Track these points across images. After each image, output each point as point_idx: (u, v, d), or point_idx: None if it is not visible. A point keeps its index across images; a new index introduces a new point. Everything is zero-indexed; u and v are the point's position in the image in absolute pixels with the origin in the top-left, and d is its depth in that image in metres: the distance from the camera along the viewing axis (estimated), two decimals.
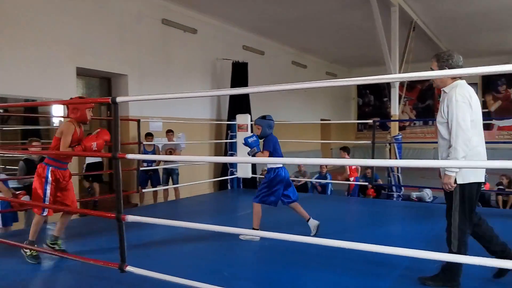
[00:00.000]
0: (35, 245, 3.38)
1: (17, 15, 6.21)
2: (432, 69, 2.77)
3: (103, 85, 8.27)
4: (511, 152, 14.24)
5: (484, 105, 16.08)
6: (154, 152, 7.35)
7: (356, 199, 8.10)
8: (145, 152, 7.14)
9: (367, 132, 17.79)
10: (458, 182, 2.66)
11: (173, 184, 7.48)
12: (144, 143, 6.94)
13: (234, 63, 10.03)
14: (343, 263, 3.33)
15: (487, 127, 16.12)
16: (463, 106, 2.63)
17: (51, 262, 3.47)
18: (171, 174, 7.57)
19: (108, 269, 2.68)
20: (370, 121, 6.78)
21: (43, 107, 7.38)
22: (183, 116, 8.69)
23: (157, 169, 7.39)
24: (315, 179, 9.51)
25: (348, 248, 2.07)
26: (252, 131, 7.87)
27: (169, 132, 7.71)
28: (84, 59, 7.07)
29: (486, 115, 16.07)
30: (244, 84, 9.85)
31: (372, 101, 18.49)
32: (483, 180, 2.78)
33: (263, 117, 4.23)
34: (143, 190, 6.36)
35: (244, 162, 7.38)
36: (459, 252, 2.63)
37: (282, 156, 4.25)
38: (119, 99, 2.49)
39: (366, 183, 8.11)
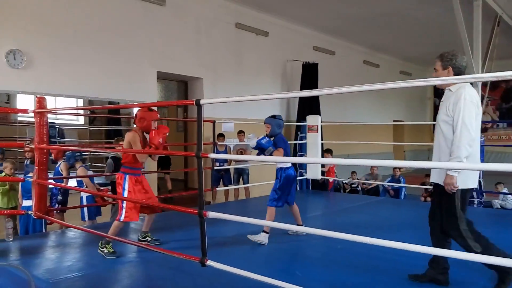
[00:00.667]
0: (110, 244, 3.63)
1: (103, 23, 6.77)
2: (435, 70, 2.80)
3: (180, 88, 8.71)
4: None
5: None
6: (225, 152, 7.60)
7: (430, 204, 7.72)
8: (217, 152, 7.40)
9: None
10: (461, 187, 2.62)
11: (244, 183, 7.68)
12: (219, 143, 7.20)
13: (304, 64, 10.05)
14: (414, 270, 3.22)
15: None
16: (471, 106, 2.59)
17: (133, 254, 3.74)
18: (242, 174, 7.78)
19: (189, 262, 2.83)
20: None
21: (124, 110, 7.93)
22: (253, 117, 8.87)
23: (228, 169, 7.63)
24: (387, 182, 9.22)
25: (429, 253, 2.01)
26: (321, 132, 7.84)
27: (240, 133, 7.92)
28: (164, 63, 7.51)
29: None
30: (314, 85, 9.82)
31: None
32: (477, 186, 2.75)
33: (273, 117, 4.25)
34: (218, 189, 6.61)
35: (313, 163, 7.35)
36: (486, 249, 2.57)
37: (289, 155, 4.36)
38: (203, 101, 2.63)
39: None
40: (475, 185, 2.72)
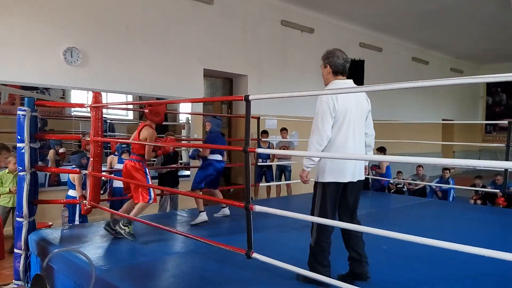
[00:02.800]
0: (131, 226, 3.90)
1: (155, 22, 7.00)
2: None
3: (225, 85, 8.85)
4: None
5: None
6: (269, 148, 7.66)
7: (481, 207, 7.41)
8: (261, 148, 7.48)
9: (497, 134, 16.04)
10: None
11: (286, 180, 7.71)
12: (262, 139, 7.26)
13: (351, 61, 9.87)
14: (453, 274, 3.12)
15: None
16: (323, 106, 2.77)
17: (180, 245, 3.86)
18: (284, 171, 7.80)
19: (234, 254, 2.90)
20: (504, 121, 6.10)
21: (171, 105, 8.17)
22: (296, 114, 8.86)
23: (271, 166, 7.68)
24: (436, 183, 8.93)
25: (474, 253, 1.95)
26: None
27: (283, 130, 7.95)
28: (210, 61, 7.67)
29: None
30: (360, 82, 9.63)
31: (504, 100, 16.56)
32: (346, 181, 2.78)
33: (214, 117, 4.88)
34: (261, 185, 6.68)
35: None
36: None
37: (222, 151, 4.74)
38: (251, 97, 2.68)
39: (496, 191, 7.36)
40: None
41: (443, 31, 11.10)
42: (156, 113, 4.00)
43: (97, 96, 4.17)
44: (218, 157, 4.67)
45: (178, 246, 3.86)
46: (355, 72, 9.83)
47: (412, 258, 3.44)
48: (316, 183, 2.94)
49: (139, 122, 8.14)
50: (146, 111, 4.04)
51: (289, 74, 9.06)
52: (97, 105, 4.13)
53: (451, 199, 8.61)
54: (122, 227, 3.85)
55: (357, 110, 2.87)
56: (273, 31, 8.78)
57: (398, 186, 9.92)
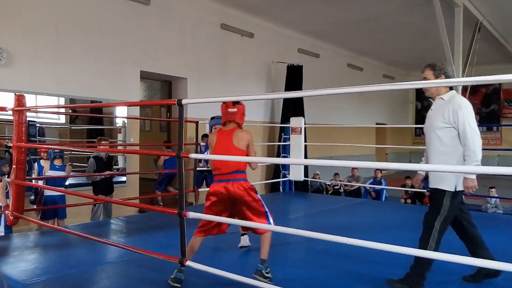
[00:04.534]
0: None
1: (87, 22, 6.68)
2: (425, 79, 2.95)
3: (164, 88, 8.66)
4: None
5: None
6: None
7: (411, 206, 7.85)
8: (201, 153, 7.37)
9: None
10: (449, 189, 2.75)
11: None
12: (201, 143, 7.17)
13: (289, 66, 10.09)
14: (390, 271, 3.27)
15: None
16: (472, 113, 2.79)
17: (113, 255, 3.70)
18: None
19: (168, 262, 2.82)
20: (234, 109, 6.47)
21: (107, 108, 7.84)
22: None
23: (211, 170, 7.60)
24: (369, 184, 9.33)
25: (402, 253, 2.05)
26: (305, 134, 7.88)
27: (205, 137, 7.78)
28: (147, 63, 7.45)
29: None
30: (299, 87, 9.88)
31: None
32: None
33: (212, 118, 4.25)
34: (199, 190, 6.56)
35: (295, 164, 7.39)
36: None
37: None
38: (184, 101, 2.63)
39: (424, 190, 7.83)
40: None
41: (375, 39, 11.67)
42: (242, 115, 3.20)
43: (20, 99, 3.89)
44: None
45: (110, 256, 3.69)
46: (294, 76, 10.14)
47: (346, 257, 3.55)
48: (440, 191, 2.81)
49: (70, 127, 7.72)
50: (234, 110, 3.13)
51: (230, 78, 9.05)
52: (20, 109, 3.85)
53: (383, 199, 9.04)
54: (266, 275, 2.98)
55: None
56: (212, 35, 8.73)
57: (335, 187, 10.27)
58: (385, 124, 15.37)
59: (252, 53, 9.67)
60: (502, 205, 8.20)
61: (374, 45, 12.52)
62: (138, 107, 7.66)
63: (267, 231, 2.98)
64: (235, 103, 3.14)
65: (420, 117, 17.88)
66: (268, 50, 10.10)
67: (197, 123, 5.68)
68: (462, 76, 8.78)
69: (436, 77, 2.90)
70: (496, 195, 7.98)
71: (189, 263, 2.61)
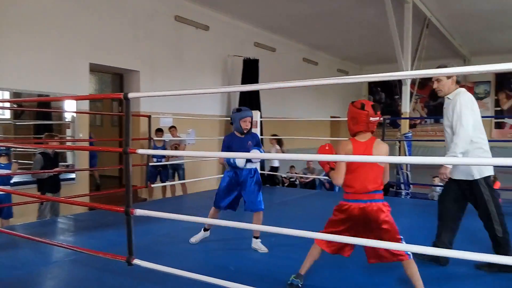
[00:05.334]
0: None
1: (32, 11, 6.32)
2: (438, 80, 3.23)
3: (115, 81, 8.38)
4: None
5: (497, 103, 15.89)
6: (164, 147, 7.44)
7: None
8: (155, 148, 7.23)
9: (378, 130, 17.63)
10: (476, 177, 3.02)
11: (179, 179, 7.56)
12: (154, 138, 7.02)
13: (245, 60, 10.07)
14: (351, 260, 3.36)
15: (499, 125, 15.91)
16: (467, 108, 3.02)
17: (59, 255, 3.55)
18: (177, 170, 7.66)
19: (116, 262, 2.74)
20: (380, 118, 6.74)
21: (56, 102, 7.50)
22: (193, 112, 8.76)
23: (166, 165, 7.48)
24: (323, 176, 9.52)
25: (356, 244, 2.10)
26: (261, 127, 7.91)
27: (172, 128, 7.75)
28: (97, 55, 7.17)
29: (499, 113, 15.86)
30: (255, 80, 9.89)
31: (383, 98, 18.35)
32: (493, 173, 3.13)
33: (238, 110, 3.73)
34: (152, 185, 6.44)
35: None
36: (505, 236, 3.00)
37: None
38: (131, 95, 2.53)
39: None
40: (491, 172, 3.09)
41: (330, 34, 11.87)
42: (353, 118, 2.67)
43: None
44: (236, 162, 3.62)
45: (56, 256, 3.54)
46: (251, 70, 10.12)
47: (301, 248, 3.59)
48: (473, 182, 3.07)
49: (14, 122, 7.32)
50: (376, 118, 2.63)
51: (184, 71, 8.90)
52: None
53: (337, 189, 9.25)
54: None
55: None
56: (166, 27, 8.53)
57: (291, 180, 10.40)
58: (339, 117, 15.73)
59: (207, 46, 9.55)
60: None
61: (329, 40, 12.74)
62: (88, 101, 7.37)
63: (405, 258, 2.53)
64: (377, 110, 2.62)
65: None
66: (224, 43, 10.01)
67: (149, 117, 5.54)
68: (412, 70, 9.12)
69: (448, 77, 3.11)
70: (440, 184, 8.37)
71: (136, 261, 2.54)
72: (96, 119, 9.57)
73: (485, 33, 11.85)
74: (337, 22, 10.60)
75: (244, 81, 9.95)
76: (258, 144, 3.78)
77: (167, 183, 7.33)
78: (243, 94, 9.86)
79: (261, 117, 8.05)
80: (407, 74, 2.63)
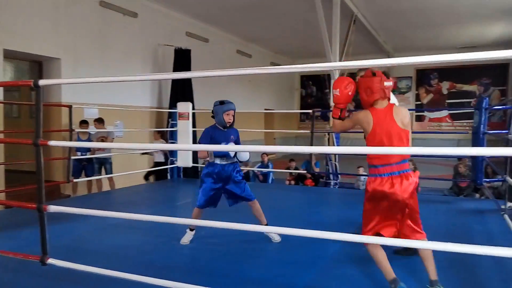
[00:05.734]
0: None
1: None
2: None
3: (33, 69, 7.75)
4: (440, 142, 15.23)
5: (417, 97, 17.05)
6: (89, 140, 7.03)
7: (295, 187, 8.29)
8: (79, 140, 6.82)
9: (309, 122, 18.14)
10: None
11: (106, 174, 7.20)
12: (78, 130, 6.61)
13: (177, 49, 9.81)
14: (277, 250, 3.40)
15: (419, 118, 17.08)
16: None
17: None
18: (104, 164, 7.26)
19: (30, 262, 2.53)
20: (311, 111, 6.95)
21: None
22: (121, 103, 8.37)
23: (92, 159, 7.08)
24: (257, 168, 9.61)
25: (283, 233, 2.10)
26: (194, 119, 7.76)
27: (97, 121, 7.27)
28: (13, 41, 6.58)
29: (419, 107, 17.03)
30: (187, 71, 9.67)
31: (315, 92, 18.94)
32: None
33: (220, 103, 3.67)
34: (75, 180, 6.06)
35: (183, 150, 7.25)
36: None
37: (223, 152, 3.59)
38: (42, 82, 2.33)
39: (304, 171, 8.33)
40: None
41: (262, 26, 11.94)
42: (367, 89, 2.58)
43: None
44: (218, 159, 3.54)
45: None
46: (182, 60, 9.87)
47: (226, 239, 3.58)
48: None
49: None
50: (390, 83, 2.55)
51: (111, 59, 8.44)
52: None
53: (270, 181, 9.41)
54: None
55: None
56: (90, 12, 8.02)
57: None
58: (273, 110, 15.96)
59: (136, 34, 9.15)
60: None
61: (262, 33, 12.82)
62: (2, 90, 6.73)
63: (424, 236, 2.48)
64: (389, 76, 2.56)
65: (305, 103, 18.98)
66: (154, 31, 9.66)
67: (70, 107, 5.18)
68: None
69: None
70: (364, 173, 8.81)
71: (51, 260, 2.36)
72: (13, 110, 8.81)
73: (407, 30, 12.61)
74: (270, 15, 10.68)
75: (176, 71, 9.69)
76: (238, 138, 3.73)
77: (92, 178, 6.94)
78: (175, 85, 9.61)
79: (194, 109, 7.90)
80: (335, 65, 2.68)
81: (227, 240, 3.61)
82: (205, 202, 3.57)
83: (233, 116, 3.61)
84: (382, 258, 2.44)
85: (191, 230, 3.67)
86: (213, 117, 3.61)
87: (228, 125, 3.59)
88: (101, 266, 2.36)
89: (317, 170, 8.85)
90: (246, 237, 3.58)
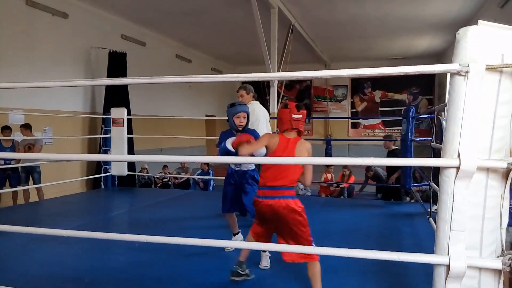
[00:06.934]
0: None
1: None
2: (242, 96, 4.50)
3: None
4: (374, 148, 15.98)
5: (352, 105, 17.79)
6: (13, 148, 6.53)
7: None
8: (2, 149, 6.30)
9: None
10: None
11: (34, 183, 6.72)
12: (0, 138, 6.12)
13: (111, 52, 9.43)
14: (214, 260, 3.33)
15: (354, 125, 17.82)
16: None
17: None
18: (32, 173, 6.77)
19: None
20: (303, 116, 6.91)
21: None
22: (50, 108, 7.88)
23: (17, 168, 6.57)
24: (198, 175, 9.47)
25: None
26: (129, 126, 7.48)
27: (23, 127, 6.79)
28: None
29: (354, 115, 17.77)
30: (122, 75, 9.31)
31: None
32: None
33: (231, 105, 3.43)
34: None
35: (117, 160, 6.96)
36: None
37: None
38: None
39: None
40: None
41: (202, 31, 11.82)
42: (304, 121, 2.73)
43: None
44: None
45: None
46: (117, 64, 9.52)
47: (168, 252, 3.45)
48: None
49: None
50: (299, 116, 2.62)
51: (39, 62, 7.91)
52: None
53: (211, 188, 9.30)
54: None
55: None
56: (15, 12, 7.47)
57: (164, 180, 10.12)
58: (214, 116, 15.87)
59: (67, 35, 8.67)
60: (312, 187, 9.29)
61: (202, 38, 12.71)
62: None
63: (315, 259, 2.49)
64: (300, 108, 2.62)
65: None
66: (86, 33, 9.21)
67: None
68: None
69: (248, 93, 4.53)
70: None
71: None
72: None
73: (343, 41, 13.14)
74: (208, 20, 10.62)
75: (110, 76, 9.32)
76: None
77: (18, 188, 6.43)
78: (109, 89, 9.23)
79: (130, 115, 7.61)
80: (274, 76, 2.68)
81: (164, 252, 3.48)
82: (226, 206, 3.52)
83: (246, 118, 3.39)
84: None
85: (235, 234, 3.63)
86: (227, 120, 3.42)
87: (240, 128, 3.34)
88: (24, 285, 2.16)
89: None
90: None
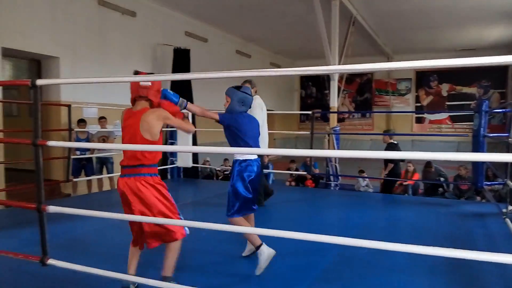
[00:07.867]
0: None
1: None
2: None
3: (32, 67, 7.70)
4: (440, 144, 15.20)
5: (417, 99, 17.05)
6: (87, 139, 7.00)
7: (295, 188, 8.27)
8: (78, 140, 6.79)
9: (309, 123, 18.23)
10: None
11: (108, 173, 7.18)
12: (77, 130, 6.59)
13: (176, 49, 9.77)
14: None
15: (419, 120, 17.07)
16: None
17: None
18: (105, 163, 7.25)
19: (30, 262, 2.50)
20: (310, 112, 6.95)
21: None
22: (121, 102, 8.31)
23: (91, 158, 7.05)
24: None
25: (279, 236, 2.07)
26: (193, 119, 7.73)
27: (102, 119, 7.33)
28: (11, 39, 6.54)
29: (419, 109, 17.03)
30: (186, 71, 9.63)
31: (314, 93, 18.91)
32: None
33: (237, 87, 3.26)
34: (75, 180, 6.03)
35: (181, 151, 7.24)
36: None
37: (251, 142, 3.18)
38: (40, 81, 2.32)
39: (305, 172, 8.31)
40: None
41: (262, 26, 11.92)
42: (158, 92, 2.61)
43: None
44: (245, 155, 3.14)
45: None
46: (182, 60, 9.84)
47: (224, 241, 3.55)
48: None
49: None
50: (147, 83, 2.50)
51: (110, 59, 8.41)
52: None
53: (270, 182, 9.36)
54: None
55: None
56: (88, 11, 7.99)
57: (225, 173, 10.35)
58: (273, 110, 15.92)
59: (134, 33, 9.12)
60: (373, 184, 9.09)
61: (262, 33, 12.80)
62: (1, 89, 6.69)
63: (178, 237, 2.54)
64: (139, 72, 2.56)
65: (304, 104, 18.97)
66: (152, 31, 9.63)
67: (69, 106, 5.16)
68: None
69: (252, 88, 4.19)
70: (366, 175, 8.81)
71: (51, 261, 2.33)
72: (13, 109, 8.76)
73: (407, 32, 12.60)
74: (269, 15, 10.65)
75: (175, 71, 9.65)
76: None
77: (92, 177, 6.91)
78: (174, 84, 9.55)
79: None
80: (334, 68, 2.65)
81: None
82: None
83: (226, 100, 3.39)
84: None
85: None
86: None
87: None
88: (101, 267, 2.34)
89: (316, 171, 8.84)
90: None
